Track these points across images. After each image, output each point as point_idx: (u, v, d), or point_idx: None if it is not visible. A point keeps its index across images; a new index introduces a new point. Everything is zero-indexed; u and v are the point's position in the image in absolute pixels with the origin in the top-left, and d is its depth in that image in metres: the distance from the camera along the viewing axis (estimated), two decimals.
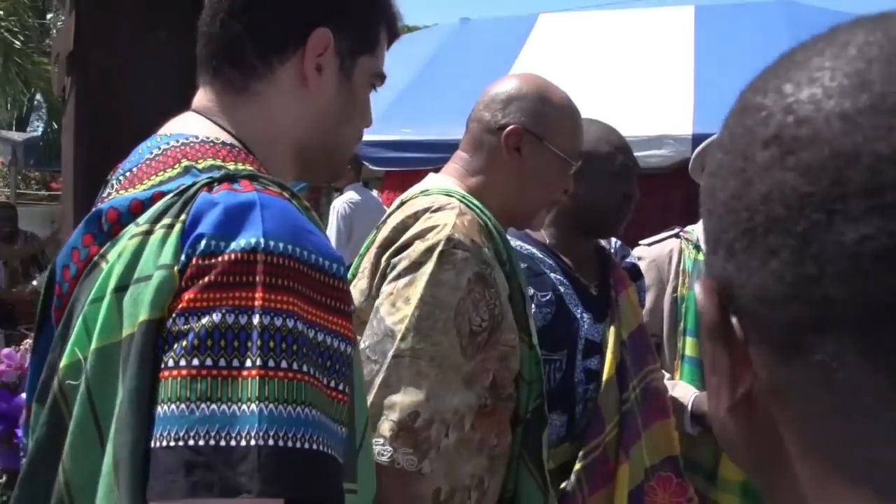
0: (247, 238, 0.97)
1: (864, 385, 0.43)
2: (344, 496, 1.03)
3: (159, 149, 1.18)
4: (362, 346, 1.63)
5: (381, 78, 1.34)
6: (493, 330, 1.67)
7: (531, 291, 2.14)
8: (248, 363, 0.94)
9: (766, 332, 0.47)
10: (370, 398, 1.54)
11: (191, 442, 0.92)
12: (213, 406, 0.93)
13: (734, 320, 0.51)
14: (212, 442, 0.92)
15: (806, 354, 0.45)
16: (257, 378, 0.93)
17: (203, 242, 0.98)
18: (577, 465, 2.12)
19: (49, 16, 12.68)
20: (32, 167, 15.35)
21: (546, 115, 1.87)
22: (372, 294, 1.72)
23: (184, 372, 0.94)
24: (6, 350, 3.56)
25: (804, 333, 0.45)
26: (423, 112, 6.74)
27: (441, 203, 1.75)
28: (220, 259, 0.97)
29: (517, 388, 1.78)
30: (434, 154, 5.26)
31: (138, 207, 1.08)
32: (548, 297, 2.19)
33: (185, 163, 1.13)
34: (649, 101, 6.96)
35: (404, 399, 1.57)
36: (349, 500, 1.08)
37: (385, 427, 1.55)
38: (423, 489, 1.67)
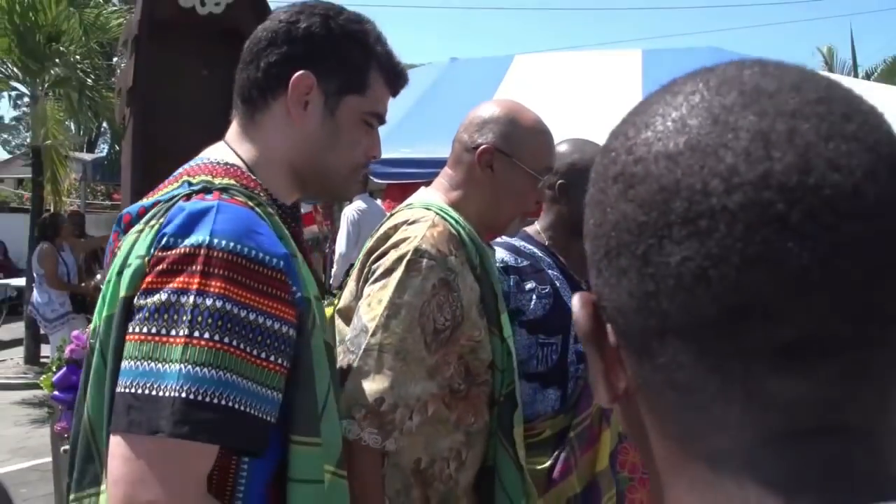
0: (196, 236, 1.06)
1: (698, 385, 0.43)
2: (261, 445, 1.09)
3: (183, 168, 1.26)
4: (346, 339, 1.64)
5: (375, 116, 1.34)
6: (454, 328, 1.64)
7: (533, 285, 2.13)
8: (179, 332, 1.03)
9: (626, 338, 0.47)
10: (346, 384, 1.54)
11: (133, 390, 1.03)
12: (152, 364, 1.03)
13: (609, 327, 0.50)
14: (146, 391, 1.02)
15: (653, 358, 0.45)
16: (182, 344, 1.02)
17: (164, 239, 1.08)
18: (571, 434, 2.10)
19: (115, 59, 12.68)
20: (99, 182, 15.35)
21: (515, 135, 1.80)
22: (357, 295, 1.69)
23: (136, 337, 1.05)
24: (76, 332, 3.55)
25: (650, 340, 0.44)
26: (419, 134, 6.73)
27: (418, 216, 1.71)
28: (172, 252, 1.06)
29: (492, 374, 1.75)
30: (427, 169, 5.25)
31: (143, 212, 1.19)
32: (547, 290, 2.16)
33: (184, 178, 1.21)
34: (604, 127, 6.91)
35: (372, 386, 1.55)
36: (313, 451, 1.15)
37: (355, 409, 1.53)
38: (401, 461, 1.66)
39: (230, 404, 1.03)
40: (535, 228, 2.31)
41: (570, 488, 2.11)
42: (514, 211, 1.84)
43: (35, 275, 8.14)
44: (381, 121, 1.36)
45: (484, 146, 1.78)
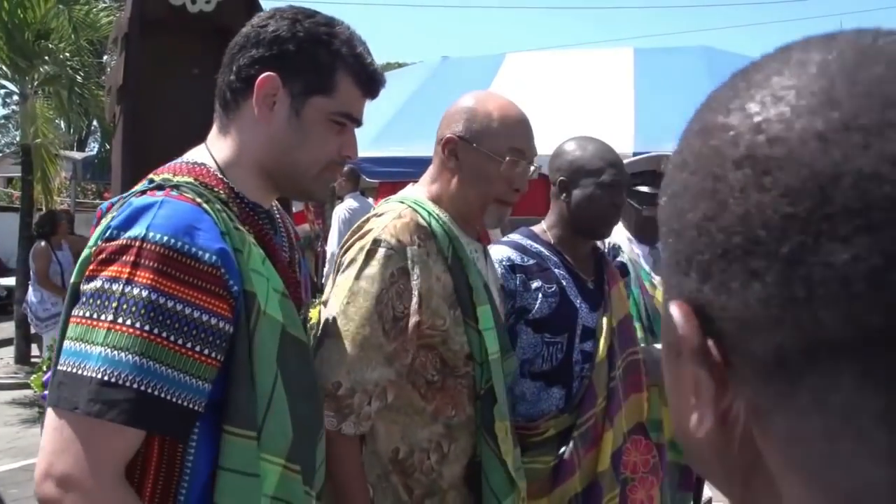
0: (135, 229, 1.14)
1: (858, 407, 0.36)
2: (179, 430, 1.16)
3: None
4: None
5: (345, 116, 1.35)
6: (422, 315, 1.67)
7: (539, 283, 2.14)
8: (105, 317, 1.10)
9: (750, 354, 0.40)
10: None
11: (65, 368, 1.12)
12: (82, 345, 1.11)
13: (710, 342, 0.42)
14: (73, 370, 1.10)
15: (795, 377, 0.38)
16: (105, 329, 1.10)
17: (108, 232, 1.16)
18: (575, 433, 2.11)
19: (105, 57, 12.64)
20: (89, 181, 15.28)
21: (475, 121, 1.81)
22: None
23: (75, 319, 1.14)
24: None
25: (793, 357, 0.38)
26: (410, 133, 6.72)
27: (386, 209, 1.78)
28: (113, 243, 1.14)
29: (473, 367, 1.76)
30: (419, 168, 5.22)
31: (110, 208, 1.26)
32: (553, 289, 2.16)
33: (151, 176, 1.28)
34: (596, 125, 6.95)
35: (329, 371, 1.60)
36: (246, 443, 1.19)
37: None
38: (379, 448, 1.71)
39: (146, 389, 1.09)
40: (541, 227, 2.32)
41: (573, 488, 2.12)
42: (484, 197, 1.82)
43: (32, 273, 8.10)
44: (355, 122, 1.38)
45: (447, 136, 1.82)
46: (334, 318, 1.64)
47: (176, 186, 1.22)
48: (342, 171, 1.38)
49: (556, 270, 2.21)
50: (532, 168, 1.87)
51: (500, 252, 2.18)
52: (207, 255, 1.15)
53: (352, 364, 1.61)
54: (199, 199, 1.20)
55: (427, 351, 1.72)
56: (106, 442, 1.10)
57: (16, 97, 11.38)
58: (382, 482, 1.73)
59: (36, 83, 10.43)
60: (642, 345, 2.41)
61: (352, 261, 1.69)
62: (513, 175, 1.81)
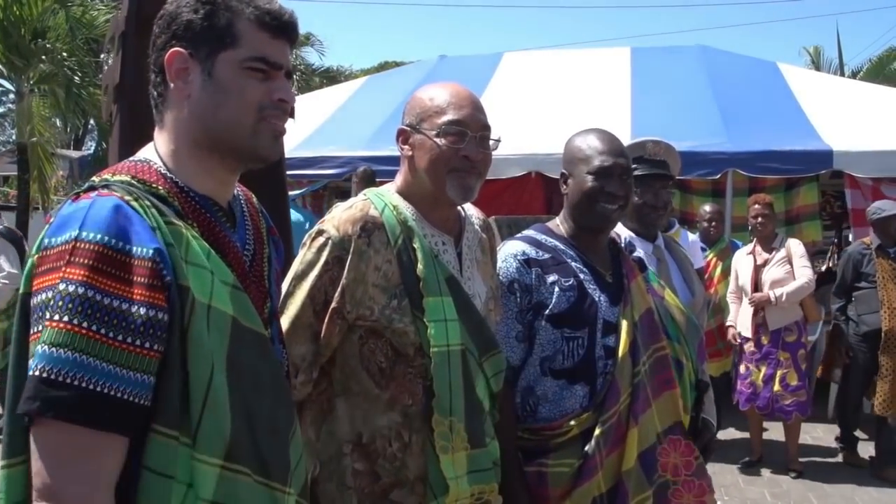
0: (68, 233, 1.14)
1: None
2: (125, 425, 1.12)
3: None
4: None
5: (260, 61, 1.31)
6: (342, 303, 1.75)
7: (555, 277, 2.13)
8: (47, 319, 1.10)
9: None
10: None
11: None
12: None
13: None
14: (31, 372, 1.08)
15: None
16: (44, 328, 1.09)
17: (45, 240, 1.16)
18: (597, 431, 2.08)
19: (102, 56, 12.66)
20: (86, 179, 15.27)
21: (416, 108, 1.88)
22: None
23: (33, 336, 1.12)
24: None
25: None
26: None
27: (350, 202, 1.89)
28: (49, 252, 1.14)
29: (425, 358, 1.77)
30: None
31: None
32: (570, 283, 2.14)
33: (93, 178, 1.27)
34: (593, 123, 6.93)
35: None
36: (167, 442, 1.16)
37: None
38: (337, 430, 1.80)
39: (86, 385, 1.07)
40: (554, 222, 2.31)
41: (596, 488, 2.08)
42: (435, 173, 1.83)
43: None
44: (274, 65, 1.33)
45: (399, 129, 1.90)
46: (284, 296, 1.76)
47: (106, 185, 1.23)
48: (286, 118, 1.35)
49: (573, 264, 2.18)
50: (492, 140, 1.86)
51: (514, 247, 2.18)
52: (141, 250, 1.15)
53: (284, 339, 1.68)
54: (127, 196, 1.20)
55: (376, 337, 1.76)
56: (66, 443, 1.09)
57: (12, 95, 11.39)
58: (333, 463, 1.80)
59: (32, 81, 10.44)
60: None
61: (303, 245, 1.83)
62: (457, 145, 1.81)
